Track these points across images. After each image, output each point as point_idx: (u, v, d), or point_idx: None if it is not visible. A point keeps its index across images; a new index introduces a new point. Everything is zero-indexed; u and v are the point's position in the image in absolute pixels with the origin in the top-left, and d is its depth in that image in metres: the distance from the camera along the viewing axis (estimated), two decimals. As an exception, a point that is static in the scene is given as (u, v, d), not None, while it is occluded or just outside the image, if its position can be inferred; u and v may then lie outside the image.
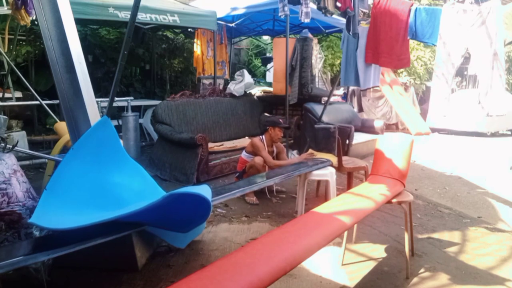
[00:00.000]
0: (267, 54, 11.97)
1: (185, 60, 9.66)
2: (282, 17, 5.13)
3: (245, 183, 2.99)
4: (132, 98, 6.31)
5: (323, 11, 4.47)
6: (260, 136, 4.20)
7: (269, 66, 10.99)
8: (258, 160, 3.95)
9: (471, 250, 3.13)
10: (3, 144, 2.51)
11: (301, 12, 4.67)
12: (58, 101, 2.63)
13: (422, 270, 2.77)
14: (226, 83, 7.55)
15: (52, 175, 2.24)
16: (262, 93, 7.82)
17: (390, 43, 4.89)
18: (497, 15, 4.28)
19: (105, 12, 4.76)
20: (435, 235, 3.40)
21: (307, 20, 4.71)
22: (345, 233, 2.79)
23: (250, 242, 2.66)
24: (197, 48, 7.77)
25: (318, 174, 3.65)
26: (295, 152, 5.82)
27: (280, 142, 4.31)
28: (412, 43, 8.67)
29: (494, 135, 9.13)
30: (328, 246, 2.66)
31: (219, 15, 6.34)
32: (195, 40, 7.78)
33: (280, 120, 4.14)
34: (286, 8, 4.75)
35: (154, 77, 8.99)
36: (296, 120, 6.24)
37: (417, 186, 4.93)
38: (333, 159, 3.96)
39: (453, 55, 4.55)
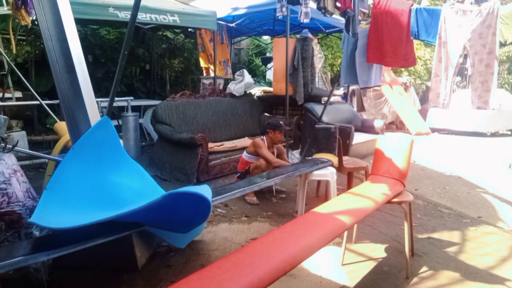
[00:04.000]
0: (267, 54, 11.98)
1: (185, 60, 9.66)
2: (280, 17, 5.13)
3: (245, 183, 2.99)
4: (132, 98, 6.31)
5: (323, 11, 4.48)
6: (262, 137, 4.21)
7: (269, 66, 11.00)
8: (263, 161, 3.97)
9: (471, 250, 3.13)
10: (3, 144, 2.51)
11: (301, 12, 4.67)
12: (58, 101, 2.63)
13: (422, 270, 2.77)
14: (226, 83, 7.55)
15: (52, 175, 2.24)
16: (262, 93, 7.82)
17: (395, 43, 4.89)
18: (497, 15, 4.29)
19: (105, 12, 4.77)
20: (435, 235, 3.40)
21: (306, 20, 4.71)
22: (345, 233, 2.79)
23: (250, 242, 2.66)
24: (202, 49, 7.80)
25: (319, 174, 3.65)
26: (295, 152, 5.82)
27: (280, 144, 4.31)
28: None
29: (494, 135, 9.13)
30: (328, 246, 2.65)
31: (219, 15, 6.34)
32: (199, 41, 7.80)
33: (281, 122, 4.13)
34: (284, 9, 4.75)
35: (155, 77, 8.99)
36: (296, 120, 6.24)
37: (417, 186, 4.93)
38: (334, 159, 3.96)
39: (452, 55, 4.56)
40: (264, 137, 4.18)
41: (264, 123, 4.44)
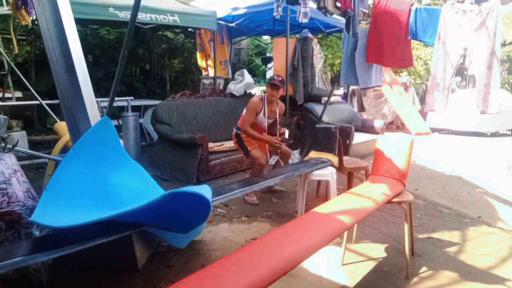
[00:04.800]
0: (267, 54, 11.98)
1: (185, 60, 9.66)
2: (277, 17, 5.13)
3: (245, 183, 2.99)
4: (132, 98, 6.31)
5: (323, 11, 4.47)
6: (262, 94, 4.13)
7: (269, 65, 11.00)
8: (259, 162, 3.97)
9: (471, 250, 3.13)
10: (3, 144, 2.51)
11: (299, 12, 4.67)
12: (58, 101, 2.63)
13: (422, 270, 2.77)
14: (226, 82, 7.56)
15: (52, 175, 2.24)
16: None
17: (393, 43, 4.89)
18: (497, 15, 4.28)
19: (105, 12, 4.76)
20: (435, 235, 3.40)
21: (305, 21, 4.71)
22: (345, 233, 2.79)
23: (250, 242, 2.66)
24: (201, 48, 7.80)
25: (319, 174, 3.65)
26: (295, 152, 5.82)
27: (278, 100, 4.15)
28: (412, 42, 8.65)
29: (494, 135, 9.12)
30: (328, 246, 2.66)
31: (219, 15, 6.34)
32: (198, 41, 7.79)
33: (275, 77, 4.01)
34: (279, 9, 4.76)
35: (155, 77, 8.99)
36: (296, 120, 6.24)
37: (417, 186, 4.93)
38: (334, 159, 3.96)
39: (452, 55, 4.55)
40: (264, 94, 4.11)
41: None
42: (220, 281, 1.55)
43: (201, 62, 8.01)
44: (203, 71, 8.18)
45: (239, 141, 4.11)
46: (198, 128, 5.35)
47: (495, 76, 4.33)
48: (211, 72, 7.75)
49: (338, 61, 9.73)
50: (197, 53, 8.03)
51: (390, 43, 4.91)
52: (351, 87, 8.06)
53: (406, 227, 2.71)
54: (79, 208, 2.13)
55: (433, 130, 8.85)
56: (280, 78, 3.99)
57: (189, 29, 8.35)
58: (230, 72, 8.36)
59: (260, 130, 4.08)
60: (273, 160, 4.16)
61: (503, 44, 5.19)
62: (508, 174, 5.68)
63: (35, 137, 6.16)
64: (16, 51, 5.36)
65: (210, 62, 7.69)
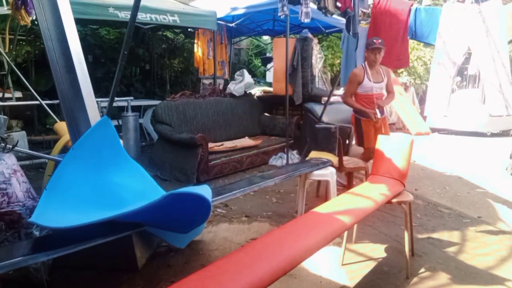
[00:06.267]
0: (267, 54, 11.98)
1: (185, 60, 9.66)
2: (282, 17, 5.13)
3: (246, 183, 2.99)
4: (132, 98, 6.31)
5: (323, 11, 4.48)
6: (362, 64, 4.11)
7: (269, 66, 10.99)
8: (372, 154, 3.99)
9: (471, 250, 3.13)
10: (3, 144, 2.50)
11: (301, 12, 4.67)
12: (58, 101, 2.63)
13: (422, 270, 2.77)
14: (226, 83, 7.55)
15: (52, 175, 2.24)
16: (262, 93, 7.81)
17: (390, 43, 4.89)
18: (498, 14, 4.28)
19: (105, 12, 4.77)
20: (435, 235, 3.40)
21: (307, 20, 4.71)
22: (345, 233, 2.79)
23: (250, 242, 2.66)
24: (198, 49, 7.78)
25: (319, 174, 3.64)
26: (295, 152, 5.82)
27: (381, 65, 4.12)
28: (412, 43, 8.66)
29: (494, 135, 9.12)
30: (328, 246, 2.65)
31: (219, 15, 6.34)
32: (196, 40, 7.78)
33: (375, 41, 3.93)
34: (285, 8, 4.75)
35: (154, 77, 8.98)
36: (296, 120, 6.24)
37: (417, 186, 4.93)
38: (334, 159, 3.96)
39: (453, 54, 4.55)
40: (365, 64, 4.07)
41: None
42: (220, 281, 1.55)
43: (198, 62, 7.98)
44: (202, 70, 8.15)
45: (358, 127, 4.13)
46: (198, 128, 5.35)
47: (506, 76, 4.30)
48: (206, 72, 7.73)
49: (338, 61, 9.73)
50: (195, 53, 8.02)
51: (387, 43, 4.90)
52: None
53: (406, 227, 2.71)
54: (79, 208, 2.12)
55: (433, 130, 8.84)
56: (379, 40, 3.91)
57: (189, 29, 8.34)
58: (227, 73, 8.35)
59: (369, 101, 4.03)
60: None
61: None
62: (505, 176, 5.67)
63: (35, 137, 6.16)
64: (7, 50, 5.34)
65: (202, 57, 7.65)
